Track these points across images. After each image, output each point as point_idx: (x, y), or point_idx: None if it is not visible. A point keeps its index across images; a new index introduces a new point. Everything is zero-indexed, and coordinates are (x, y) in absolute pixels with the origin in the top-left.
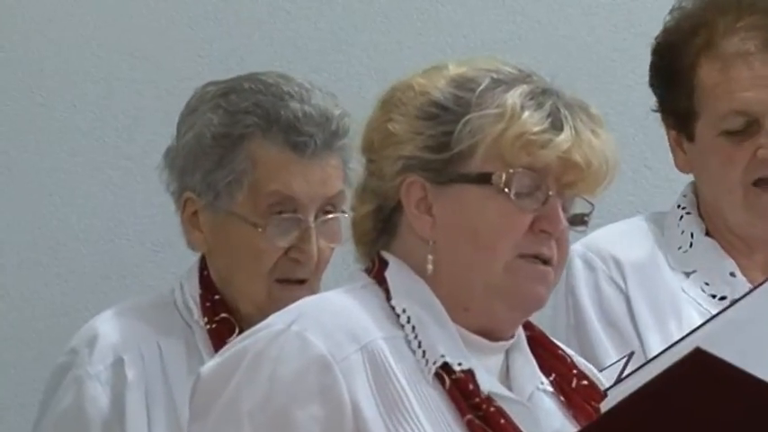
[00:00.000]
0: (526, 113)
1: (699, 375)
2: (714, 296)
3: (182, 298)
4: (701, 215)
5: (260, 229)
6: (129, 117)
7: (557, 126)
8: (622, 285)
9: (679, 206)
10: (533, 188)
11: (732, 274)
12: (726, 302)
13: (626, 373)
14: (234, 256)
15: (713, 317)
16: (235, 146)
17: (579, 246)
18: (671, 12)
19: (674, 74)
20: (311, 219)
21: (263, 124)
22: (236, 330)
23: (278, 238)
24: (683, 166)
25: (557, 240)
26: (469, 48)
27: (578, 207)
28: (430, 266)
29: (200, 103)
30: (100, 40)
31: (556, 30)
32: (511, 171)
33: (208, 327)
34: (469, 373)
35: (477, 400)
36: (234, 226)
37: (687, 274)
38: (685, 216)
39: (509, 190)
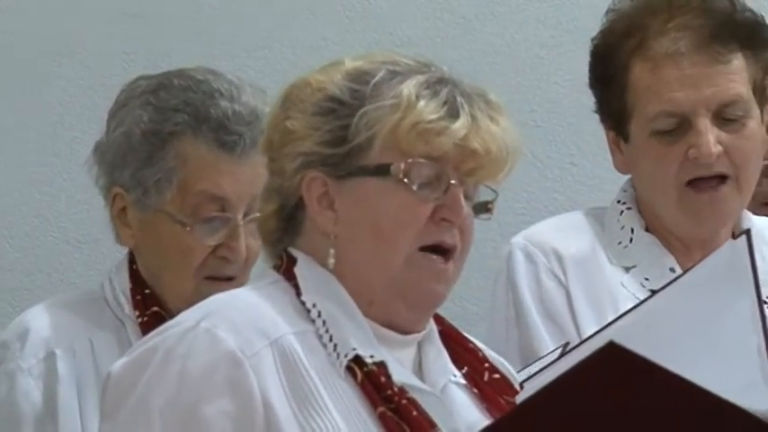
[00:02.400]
0: (422, 102)
1: (612, 368)
2: (653, 291)
3: (112, 293)
4: (640, 211)
5: (188, 228)
6: (54, 114)
7: (453, 113)
8: (563, 279)
9: (619, 201)
10: (433, 177)
11: (672, 270)
12: None
13: (541, 364)
14: (162, 253)
15: (630, 309)
16: (164, 143)
17: (520, 238)
18: (606, 14)
19: (609, 75)
20: (240, 217)
21: (193, 123)
22: None
23: (206, 237)
24: (621, 167)
25: (459, 229)
26: (396, 44)
27: (483, 195)
28: (332, 260)
29: (129, 98)
30: (25, 37)
31: (483, 27)
32: (409, 161)
33: (139, 320)
34: (381, 366)
35: (390, 392)
36: (162, 223)
37: (627, 269)
38: (625, 211)
39: (408, 180)
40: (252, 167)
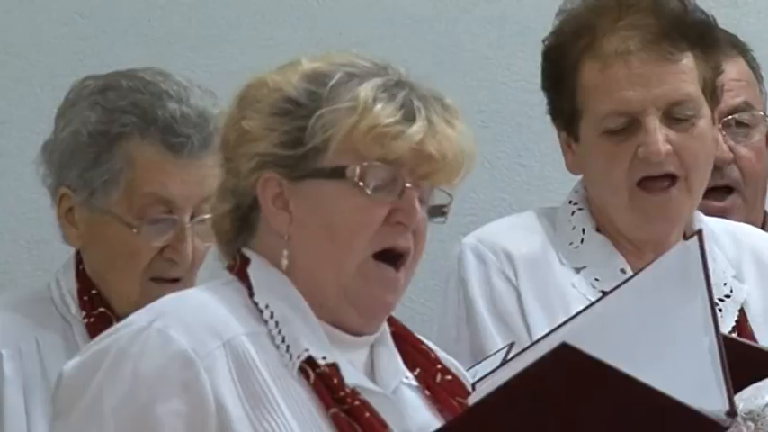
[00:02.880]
0: (378, 106)
1: (564, 369)
2: (604, 292)
3: (58, 293)
4: (591, 211)
5: (134, 230)
6: (2, 113)
7: (409, 117)
8: (513, 279)
9: (570, 202)
10: (389, 180)
11: (623, 271)
12: None
13: (488, 363)
14: (108, 254)
15: (582, 310)
16: (112, 145)
17: (471, 239)
18: (557, 15)
19: (560, 76)
20: (186, 219)
21: (141, 124)
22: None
23: (153, 239)
24: (572, 167)
25: (414, 232)
26: (344, 45)
27: (438, 199)
28: (285, 261)
29: (78, 98)
30: None
31: (431, 27)
32: (365, 164)
33: (86, 321)
34: (334, 367)
35: (342, 393)
36: (109, 225)
37: (577, 270)
38: (577, 212)
39: (363, 183)
40: (200, 169)
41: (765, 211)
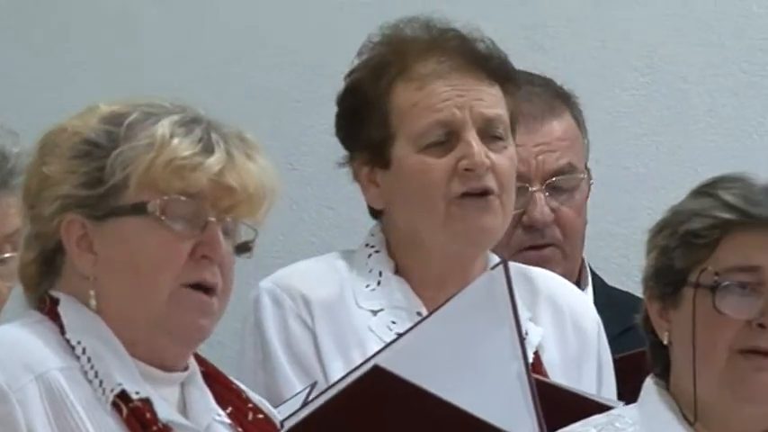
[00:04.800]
0: (176, 140)
1: (377, 392)
2: (400, 334)
3: None
4: (390, 254)
5: None
6: None
7: (208, 150)
8: (309, 322)
9: (367, 245)
10: (191, 215)
11: (419, 314)
12: None
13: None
14: None
15: (392, 341)
16: None
17: (268, 282)
18: (359, 54)
19: (367, 104)
20: None
21: None
22: None
23: None
24: (377, 201)
25: (220, 266)
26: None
27: (244, 234)
28: (93, 302)
29: None
30: None
31: (241, 70)
32: (165, 198)
33: None
34: (147, 402)
35: (155, 428)
36: None
37: (374, 313)
38: (374, 254)
39: (165, 217)
40: None
41: (583, 259)
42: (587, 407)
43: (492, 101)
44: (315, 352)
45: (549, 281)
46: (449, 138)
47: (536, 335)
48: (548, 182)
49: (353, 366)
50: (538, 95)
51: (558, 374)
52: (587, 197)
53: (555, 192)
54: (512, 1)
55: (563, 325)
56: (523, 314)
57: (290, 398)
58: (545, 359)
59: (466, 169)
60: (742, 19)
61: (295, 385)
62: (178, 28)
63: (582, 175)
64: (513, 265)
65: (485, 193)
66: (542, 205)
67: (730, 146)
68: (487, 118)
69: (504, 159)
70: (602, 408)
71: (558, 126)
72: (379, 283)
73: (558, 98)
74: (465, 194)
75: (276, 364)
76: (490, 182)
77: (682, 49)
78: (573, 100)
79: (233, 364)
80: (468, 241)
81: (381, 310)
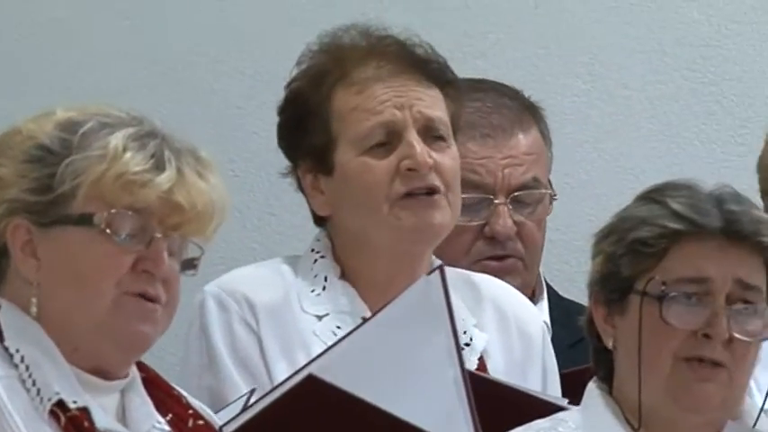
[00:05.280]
0: (128, 154)
1: (311, 400)
2: (337, 341)
3: None
4: (335, 259)
5: None
6: None
7: (159, 167)
8: (255, 326)
9: (313, 250)
10: (138, 229)
11: (364, 318)
12: None
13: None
14: None
15: (330, 347)
16: None
17: (213, 287)
18: (298, 63)
19: (309, 112)
20: None
21: None
22: None
23: None
24: (323, 207)
25: (164, 282)
26: (101, 95)
27: (191, 251)
28: (34, 309)
29: None
30: None
31: (184, 76)
32: (112, 211)
33: None
34: (85, 411)
35: None
36: None
37: (319, 318)
38: (319, 260)
39: (111, 230)
40: None
41: (540, 273)
42: (536, 406)
43: (432, 101)
44: (260, 355)
45: (494, 287)
46: (390, 139)
47: (481, 341)
48: (512, 195)
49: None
50: (508, 108)
51: (501, 379)
52: (549, 212)
53: (518, 205)
54: (454, 8)
55: (508, 330)
56: (468, 320)
57: (230, 403)
58: (490, 365)
59: (409, 169)
60: (683, 26)
61: (241, 388)
62: (122, 34)
63: (545, 190)
64: (457, 271)
65: (431, 191)
66: (505, 218)
67: (672, 153)
68: (428, 117)
69: (448, 159)
70: (550, 406)
71: (525, 140)
72: (324, 287)
73: (526, 111)
74: (409, 194)
75: (222, 367)
76: (435, 180)
77: (623, 56)
78: (540, 113)
79: (175, 371)
80: (415, 238)
81: (326, 314)
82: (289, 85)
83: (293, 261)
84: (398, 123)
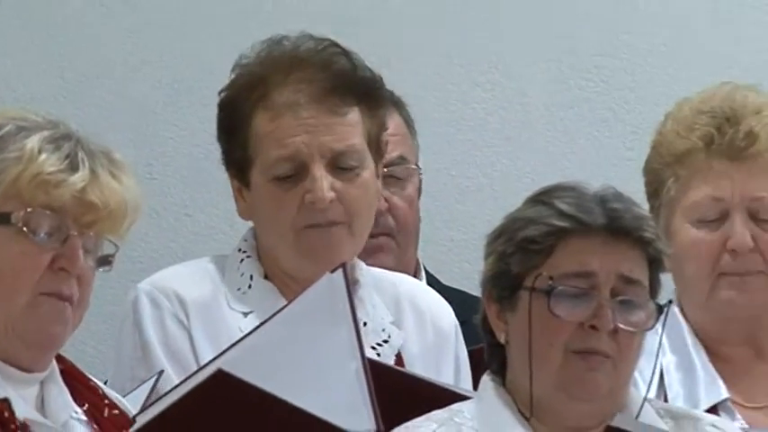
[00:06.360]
0: (43, 155)
1: (220, 394)
2: (245, 335)
3: None
4: (260, 258)
5: None
6: None
7: (74, 167)
8: (185, 322)
9: (240, 250)
10: (54, 228)
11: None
12: None
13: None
14: None
15: (236, 342)
16: None
17: (146, 284)
18: (232, 70)
19: (233, 125)
20: None
21: None
22: None
23: None
24: (243, 214)
25: (78, 279)
26: (19, 101)
27: (106, 249)
28: None
29: None
30: None
31: (102, 84)
32: (29, 210)
33: None
34: (5, 402)
35: (13, 426)
36: None
37: (245, 314)
38: (245, 259)
39: (28, 229)
40: None
41: (417, 259)
42: (442, 396)
43: (343, 132)
44: (190, 349)
45: (411, 286)
46: (297, 171)
47: (398, 337)
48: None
49: None
50: None
51: (419, 373)
52: (419, 192)
53: (388, 181)
54: (362, 19)
55: (424, 326)
56: (387, 318)
57: (139, 385)
58: (407, 359)
59: (311, 202)
60: (577, 38)
61: (173, 380)
62: (40, 39)
63: (413, 166)
64: (378, 271)
65: (331, 224)
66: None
67: (567, 157)
68: (337, 152)
69: (354, 188)
70: (455, 396)
71: (390, 123)
72: (249, 286)
73: (390, 102)
74: (311, 225)
75: (154, 360)
76: (334, 214)
77: (522, 66)
78: (402, 104)
79: (94, 363)
80: (317, 267)
81: (251, 311)
82: (221, 92)
83: (221, 260)
84: (304, 158)
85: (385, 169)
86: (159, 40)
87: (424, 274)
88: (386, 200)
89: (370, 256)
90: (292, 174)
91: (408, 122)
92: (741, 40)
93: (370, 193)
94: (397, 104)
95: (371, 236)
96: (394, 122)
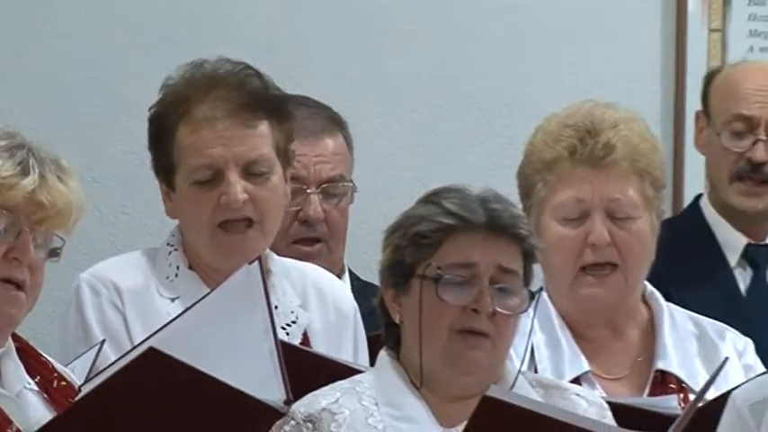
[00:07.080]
0: None
1: (152, 369)
2: (171, 320)
3: None
4: (185, 251)
5: None
6: None
7: (25, 172)
8: (121, 307)
9: (168, 244)
10: (9, 225)
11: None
12: None
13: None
14: None
15: (164, 325)
16: None
17: (87, 274)
18: (161, 89)
19: (161, 137)
20: None
21: None
22: None
23: None
24: (171, 213)
25: (30, 268)
26: None
27: (55, 242)
28: None
29: None
30: None
31: (54, 94)
32: None
33: None
34: None
35: None
36: None
37: (172, 300)
38: (173, 252)
39: None
40: None
41: (343, 260)
42: (342, 371)
43: (254, 143)
44: (126, 331)
45: (317, 274)
46: (215, 177)
47: (305, 318)
48: (322, 187)
49: None
50: (318, 115)
51: (322, 350)
52: (350, 203)
53: (327, 196)
54: (275, 44)
55: (326, 309)
56: (295, 301)
57: (84, 352)
58: (312, 338)
59: (226, 203)
60: (462, 60)
61: (110, 357)
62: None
63: (349, 185)
64: (289, 261)
65: (245, 220)
66: (316, 205)
67: (452, 164)
68: (249, 160)
69: (265, 190)
70: (353, 371)
71: (333, 143)
72: (176, 275)
73: (332, 121)
74: (226, 221)
75: (94, 340)
76: (248, 212)
77: (413, 84)
78: (344, 124)
79: (45, 340)
80: (231, 260)
81: (178, 297)
82: (151, 108)
83: (153, 253)
84: (220, 165)
85: (326, 185)
86: (101, 62)
87: (347, 270)
88: (324, 211)
89: (308, 260)
90: (210, 179)
91: (349, 143)
92: (601, 62)
93: (278, 195)
94: (340, 125)
95: (309, 242)
96: (337, 143)
